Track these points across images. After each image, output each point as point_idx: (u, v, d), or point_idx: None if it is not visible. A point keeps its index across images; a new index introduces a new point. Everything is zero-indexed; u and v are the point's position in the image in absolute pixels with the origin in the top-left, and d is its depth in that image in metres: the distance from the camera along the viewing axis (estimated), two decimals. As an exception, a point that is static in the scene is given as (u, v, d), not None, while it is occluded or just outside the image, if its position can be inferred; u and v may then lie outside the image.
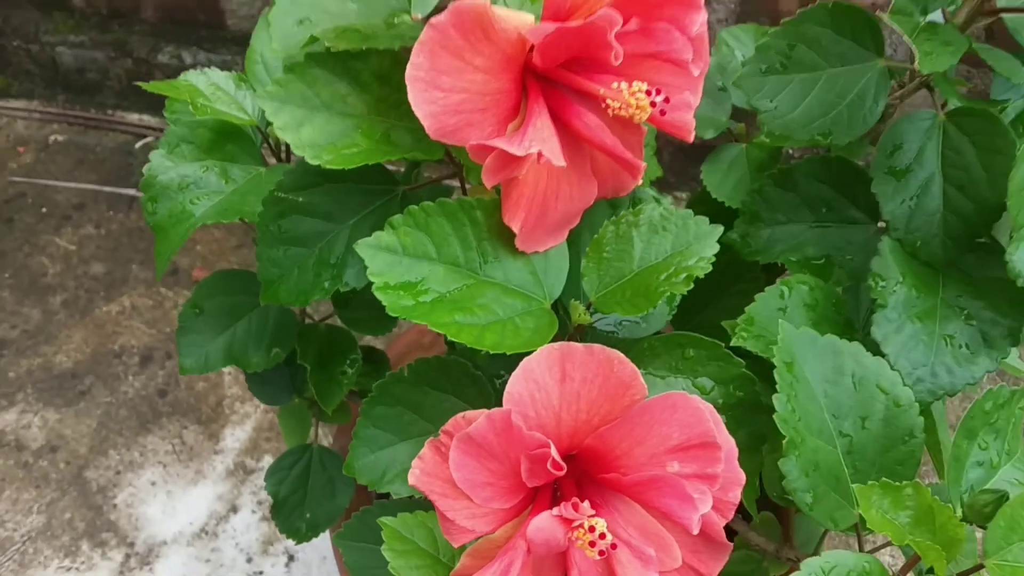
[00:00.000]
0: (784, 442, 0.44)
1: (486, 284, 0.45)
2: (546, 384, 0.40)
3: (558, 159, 0.40)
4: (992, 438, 0.47)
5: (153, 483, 1.03)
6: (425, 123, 0.40)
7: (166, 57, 1.34)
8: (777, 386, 0.45)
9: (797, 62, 0.51)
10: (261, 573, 0.98)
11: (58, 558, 0.98)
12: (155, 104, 1.30)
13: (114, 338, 1.16)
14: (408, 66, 0.39)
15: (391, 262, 0.44)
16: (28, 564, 0.97)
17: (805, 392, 0.46)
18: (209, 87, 0.57)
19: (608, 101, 0.41)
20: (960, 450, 0.45)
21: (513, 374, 0.39)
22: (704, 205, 0.63)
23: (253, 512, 1.02)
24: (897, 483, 0.41)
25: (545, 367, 0.40)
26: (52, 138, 1.39)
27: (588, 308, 0.47)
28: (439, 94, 0.39)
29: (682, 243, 0.47)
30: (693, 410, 0.40)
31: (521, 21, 0.40)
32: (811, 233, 0.57)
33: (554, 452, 0.38)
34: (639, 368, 0.44)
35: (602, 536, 0.39)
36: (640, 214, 0.46)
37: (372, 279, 0.43)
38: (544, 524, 0.40)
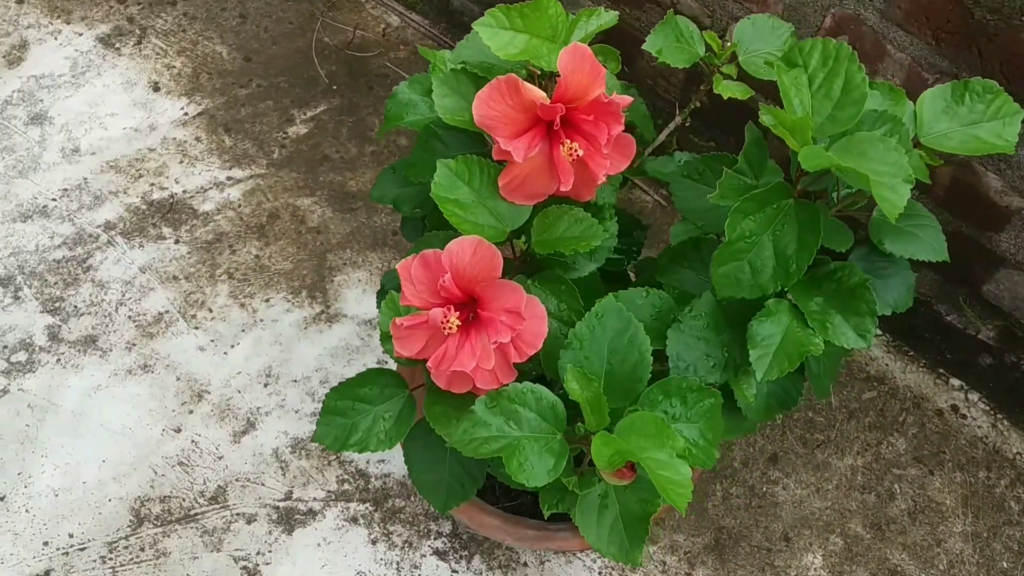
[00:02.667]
0: (567, 343, 0.85)
1: (482, 206, 0.88)
2: (464, 252, 0.83)
3: (519, 158, 0.83)
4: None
5: (359, 280, 1.55)
6: (475, 117, 0.84)
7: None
8: (584, 321, 0.85)
9: (704, 178, 0.90)
10: (387, 361, 1.47)
11: (285, 292, 1.52)
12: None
13: (388, 188, 1.68)
14: (479, 91, 0.83)
15: (447, 177, 0.88)
16: (269, 287, 1.52)
17: (601, 330, 0.86)
18: (445, 61, 1.03)
19: (560, 146, 0.83)
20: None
21: (451, 242, 0.83)
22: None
23: (404, 328, 1.51)
24: (587, 375, 0.81)
25: (467, 244, 0.83)
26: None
27: (527, 244, 0.90)
28: (485, 108, 0.83)
29: (586, 233, 0.88)
30: (520, 295, 0.82)
31: (536, 93, 0.83)
32: (691, 276, 0.95)
33: (447, 278, 0.82)
34: (539, 286, 0.87)
35: (451, 327, 0.82)
36: (570, 211, 0.88)
37: (434, 186, 0.88)
38: (436, 313, 0.84)
